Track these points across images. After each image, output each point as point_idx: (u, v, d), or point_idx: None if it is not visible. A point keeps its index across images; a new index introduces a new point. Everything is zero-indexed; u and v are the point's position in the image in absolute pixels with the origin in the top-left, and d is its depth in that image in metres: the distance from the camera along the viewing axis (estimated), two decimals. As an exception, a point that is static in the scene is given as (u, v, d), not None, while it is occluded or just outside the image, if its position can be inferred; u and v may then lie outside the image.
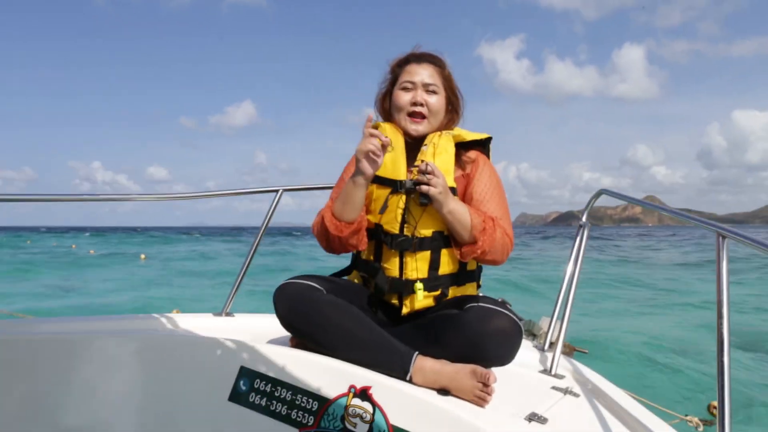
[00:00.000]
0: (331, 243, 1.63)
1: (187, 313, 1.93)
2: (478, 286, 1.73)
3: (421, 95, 1.66)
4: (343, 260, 1.83)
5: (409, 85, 1.68)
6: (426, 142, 1.65)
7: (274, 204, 2.05)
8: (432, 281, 1.59)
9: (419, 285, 1.57)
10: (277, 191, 2.06)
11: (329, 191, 1.80)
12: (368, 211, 1.64)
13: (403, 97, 1.68)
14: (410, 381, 1.40)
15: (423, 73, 1.68)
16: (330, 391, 1.38)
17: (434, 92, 1.68)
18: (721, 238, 1.21)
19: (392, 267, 1.60)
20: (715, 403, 1.11)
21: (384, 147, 1.49)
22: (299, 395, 1.41)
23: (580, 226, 2.11)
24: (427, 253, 1.58)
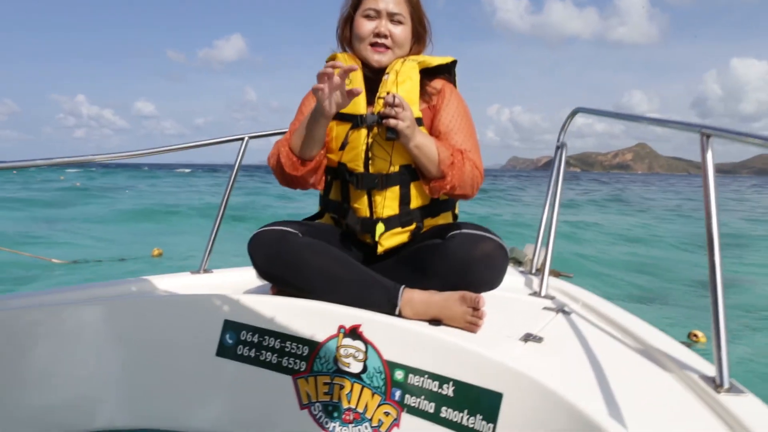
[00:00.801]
0: (286, 178, 1.55)
1: (164, 274, 1.86)
2: (455, 216, 1.68)
3: (385, 25, 1.55)
4: (313, 199, 1.77)
5: (372, 13, 1.56)
6: (388, 70, 1.55)
7: (241, 153, 1.96)
8: (404, 216, 1.53)
9: (380, 226, 1.51)
10: (242, 139, 1.96)
11: None
12: (329, 150, 1.56)
13: (366, 26, 1.56)
14: (400, 315, 1.36)
15: (389, 0, 1.56)
16: (319, 334, 1.34)
17: (400, 22, 1.57)
18: (705, 137, 1.17)
19: (361, 206, 1.54)
20: (696, 331, 1.10)
21: (346, 73, 1.36)
22: (288, 342, 1.37)
23: (558, 147, 2.07)
24: (396, 189, 1.51)
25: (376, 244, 1.55)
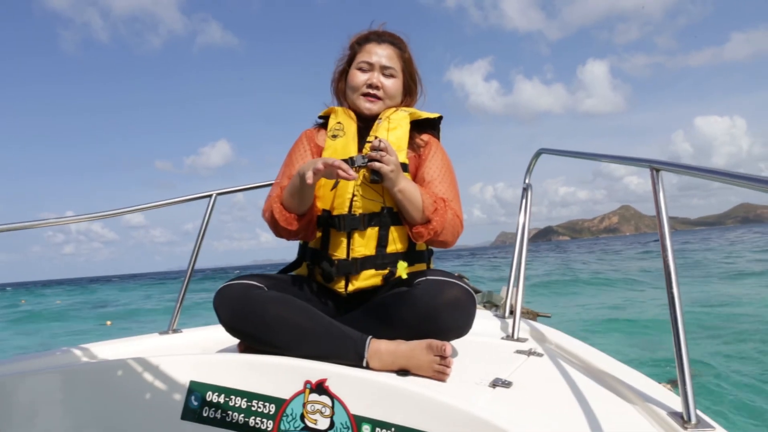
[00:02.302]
0: (280, 233, 1.57)
1: (130, 336, 1.81)
2: (428, 267, 1.69)
3: (377, 77, 1.63)
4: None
5: (366, 66, 1.64)
6: (380, 116, 1.62)
7: (209, 210, 1.96)
8: (380, 259, 1.53)
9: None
10: (210, 196, 1.96)
11: (266, 189, 1.72)
12: (317, 198, 1.58)
13: (359, 77, 1.64)
14: (367, 367, 1.33)
15: (381, 54, 1.64)
16: (286, 390, 1.30)
17: (392, 75, 1.65)
18: (655, 172, 1.20)
19: (340, 250, 1.54)
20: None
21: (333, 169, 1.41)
22: (255, 401, 1.33)
23: (524, 188, 2.10)
24: (375, 230, 1.53)
25: (346, 287, 1.54)
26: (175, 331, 1.88)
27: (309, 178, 1.36)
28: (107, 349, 1.70)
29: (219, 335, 1.77)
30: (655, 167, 1.20)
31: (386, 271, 1.54)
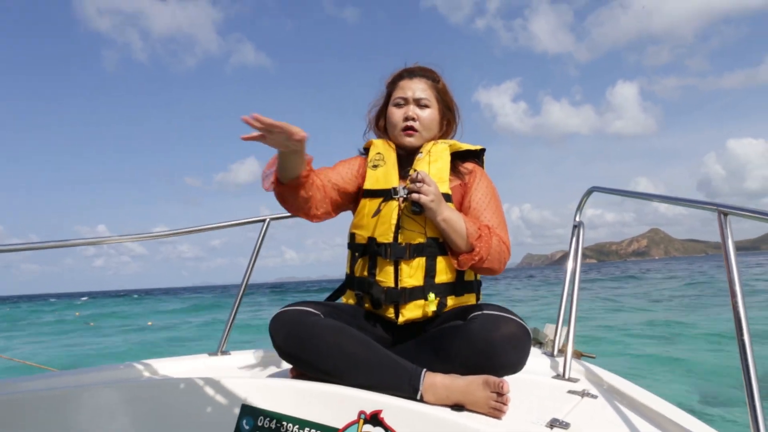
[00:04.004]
0: (286, 203, 1.57)
1: (181, 356, 1.85)
2: (478, 299, 1.68)
3: (413, 110, 1.66)
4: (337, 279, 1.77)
5: (401, 101, 1.68)
6: (421, 150, 1.65)
7: (262, 234, 2.00)
8: (429, 289, 1.53)
9: (432, 296, 1.52)
10: (264, 220, 2.01)
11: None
12: (360, 225, 1.62)
13: (396, 114, 1.68)
14: (421, 400, 1.33)
15: (415, 88, 1.68)
16: (339, 420, 1.30)
17: (426, 106, 1.68)
18: (722, 216, 1.19)
19: (387, 278, 1.55)
20: None
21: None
22: (307, 428, 1.33)
23: (575, 226, 2.08)
24: (422, 260, 1.53)
25: (397, 317, 1.54)
26: (224, 353, 1.90)
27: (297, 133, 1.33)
28: (157, 368, 1.73)
29: (268, 359, 1.79)
30: (723, 211, 1.18)
31: (437, 300, 1.54)
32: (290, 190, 1.52)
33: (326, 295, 1.75)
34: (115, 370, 1.66)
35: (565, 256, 2.03)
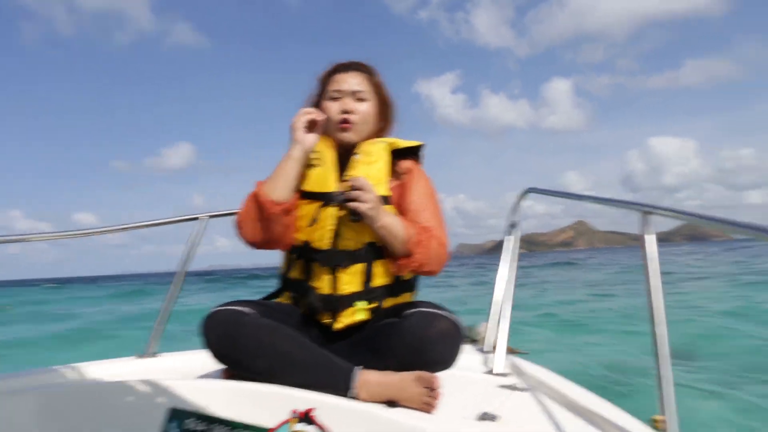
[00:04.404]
0: (257, 224, 1.52)
1: (106, 359, 1.76)
2: (414, 297, 1.69)
3: (349, 103, 1.62)
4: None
5: (337, 95, 1.63)
6: (357, 150, 1.61)
7: (198, 233, 1.93)
8: (367, 294, 1.53)
9: (361, 303, 1.51)
10: (199, 218, 1.94)
11: None
12: (297, 228, 1.58)
13: (332, 107, 1.63)
14: (355, 397, 1.33)
15: (351, 81, 1.64)
16: (271, 419, 1.28)
17: (363, 99, 1.64)
18: (645, 215, 1.24)
19: (323, 284, 1.53)
20: (657, 417, 1.12)
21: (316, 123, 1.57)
22: (238, 429, 1.30)
23: (511, 225, 2.14)
24: (360, 266, 1.53)
25: (334, 322, 1.53)
26: (153, 354, 1.83)
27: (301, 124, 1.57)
28: (81, 372, 1.65)
29: (201, 361, 1.73)
30: (645, 211, 1.24)
31: (375, 304, 1.54)
32: (281, 213, 1.50)
33: (258, 282, 1.72)
34: (33, 375, 1.57)
35: (497, 246, 2.08)
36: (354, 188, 1.43)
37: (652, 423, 1.15)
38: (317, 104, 1.69)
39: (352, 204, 1.43)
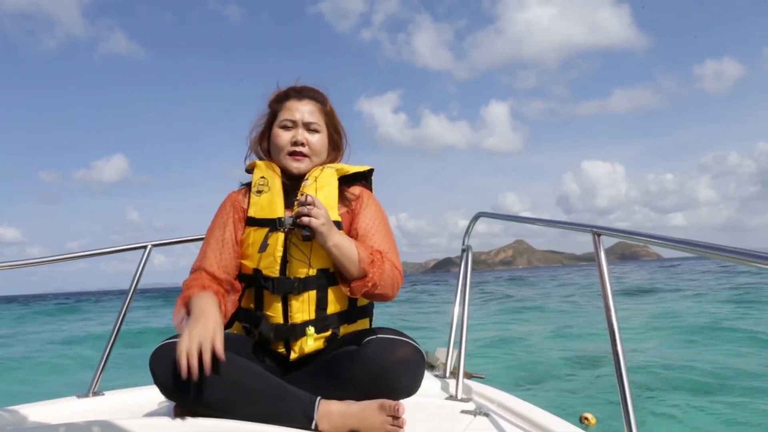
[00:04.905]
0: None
1: (42, 401, 1.63)
2: (371, 323, 1.67)
3: (302, 134, 1.58)
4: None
5: (289, 124, 1.60)
6: (307, 176, 1.58)
7: (143, 262, 1.85)
8: (321, 322, 1.49)
9: (310, 329, 1.46)
10: (145, 247, 1.86)
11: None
12: (245, 255, 1.53)
13: (283, 136, 1.59)
14: (316, 429, 1.28)
15: (304, 110, 1.61)
16: None
17: (316, 131, 1.61)
18: (597, 236, 1.29)
19: (275, 313, 1.49)
20: (587, 414, 1.15)
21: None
22: None
23: (463, 250, 2.16)
24: (312, 293, 1.48)
25: (288, 352, 1.48)
26: (96, 393, 1.72)
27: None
28: (19, 416, 1.52)
29: (149, 398, 1.64)
30: (596, 232, 1.29)
31: (329, 333, 1.50)
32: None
33: None
34: None
35: (439, 264, 2.09)
36: (304, 204, 1.39)
37: (582, 420, 1.17)
38: (267, 129, 1.66)
39: (303, 219, 1.39)
